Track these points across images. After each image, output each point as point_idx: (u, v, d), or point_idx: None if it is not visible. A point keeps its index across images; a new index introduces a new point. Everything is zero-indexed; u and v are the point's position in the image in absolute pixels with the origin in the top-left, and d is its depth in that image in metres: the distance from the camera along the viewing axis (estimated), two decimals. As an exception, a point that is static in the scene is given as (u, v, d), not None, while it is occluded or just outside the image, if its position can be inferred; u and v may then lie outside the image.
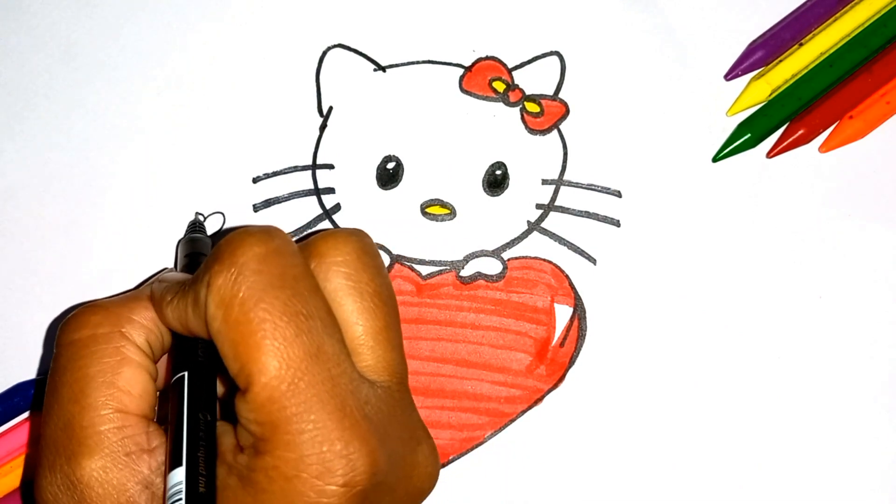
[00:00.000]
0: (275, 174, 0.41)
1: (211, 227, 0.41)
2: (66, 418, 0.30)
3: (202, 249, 0.37)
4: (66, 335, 0.31)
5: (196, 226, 0.40)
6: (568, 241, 0.41)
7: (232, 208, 0.41)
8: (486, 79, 0.42)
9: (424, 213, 0.41)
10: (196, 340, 0.31)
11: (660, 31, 0.43)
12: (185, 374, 0.30)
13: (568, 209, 0.41)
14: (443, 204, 0.41)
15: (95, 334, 0.31)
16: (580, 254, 0.41)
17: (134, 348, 0.31)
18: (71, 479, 0.29)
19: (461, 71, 0.42)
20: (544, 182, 0.41)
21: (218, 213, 0.41)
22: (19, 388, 0.39)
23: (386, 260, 0.41)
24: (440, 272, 0.41)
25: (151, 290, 0.32)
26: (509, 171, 0.41)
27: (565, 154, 0.42)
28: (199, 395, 0.30)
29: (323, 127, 0.42)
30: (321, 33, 0.43)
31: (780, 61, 0.42)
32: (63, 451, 0.29)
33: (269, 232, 0.29)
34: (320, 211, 0.41)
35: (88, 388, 0.30)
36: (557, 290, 0.40)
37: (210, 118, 0.42)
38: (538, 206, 0.41)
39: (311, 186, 0.41)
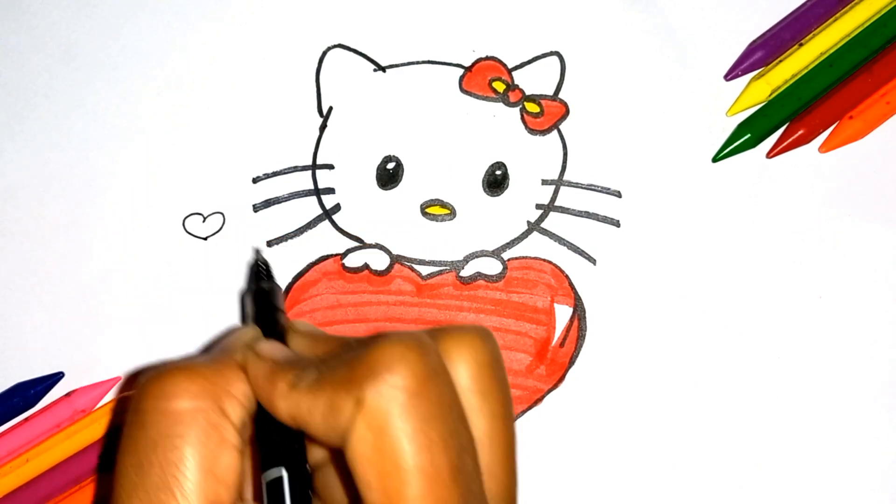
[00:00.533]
0: (275, 174, 0.41)
1: (211, 227, 0.41)
2: None
3: (277, 303, 0.33)
4: (157, 401, 0.27)
5: (262, 269, 0.35)
6: (568, 241, 0.41)
7: (232, 208, 0.41)
8: (486, 79, 0.42)
9: (424, 214, 0.41)
10: (300, 433, 0.28)
11: (660, 31, 0.43)
12: (285, 473, 0.27)
13: (568, 209, 0.41)
14: (443, 204, 0.41)
15: (194, 408, 0.27)
16: (580, 254, 0.41)
17: (232, 430, 0.27)
18: None
19: (461, 71, 0.42)
20: (544, 182, 0.41)
21: (218, 213, 0.41)
22: (19, 388, 0.39)
23: (386, 260, 0.41)
24: (440, 272, 0.41)
25: (251, 367, 0.29)
26: (509, 172, 0.41)
27: (565, 154, 0.42)
28: (300, 496, 0.27)
29: (323, 127, 0.42)
30: (321, 33, 0.43)
31: (780, 61, 0.42)
32: None
33: (424, 346, 0.26)
34: (320, 211, 0.41)
35: (184, 476, 0.26)
36: (557, 291, 0.40)
37: (210, 118, 0.42)
38: (538, 206, 0.41)
39: (311, 186, 0.41)
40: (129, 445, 0.27)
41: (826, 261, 0.41)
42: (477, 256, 0.41)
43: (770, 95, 0.41)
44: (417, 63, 0.43)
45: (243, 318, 0.37)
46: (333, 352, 0.29)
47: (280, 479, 0.27)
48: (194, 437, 0.27)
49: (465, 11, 0.43)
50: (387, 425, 0.25)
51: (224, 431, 0.27)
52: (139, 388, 0.28)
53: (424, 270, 0.41)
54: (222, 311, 0.40)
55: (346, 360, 0.26)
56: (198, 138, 0.42)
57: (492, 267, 0.41)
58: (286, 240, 0.41)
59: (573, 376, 0.40)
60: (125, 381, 0.40)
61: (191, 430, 0.27)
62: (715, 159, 0.42)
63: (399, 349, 0.26)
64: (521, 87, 0.42)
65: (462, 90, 0.42)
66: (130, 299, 0.40)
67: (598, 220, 0.41)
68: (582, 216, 0.41)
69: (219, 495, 0.26)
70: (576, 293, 0.40)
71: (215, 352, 0.30)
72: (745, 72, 0.42)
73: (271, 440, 0.28)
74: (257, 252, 0.37)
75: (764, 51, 0.42)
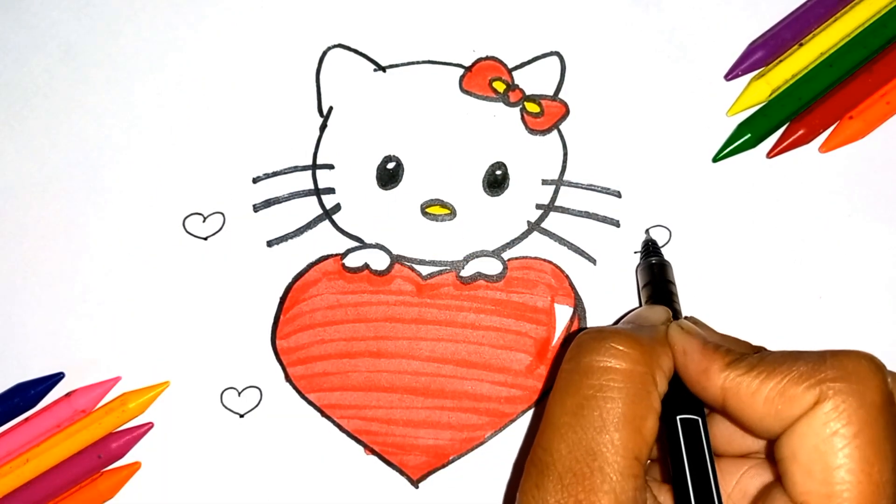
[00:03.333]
0: (275, 174, 0.41)
1: (211, 227, 0.41)
2: (590, 446, 0.29)
3: (670, 277, 0.38)
4: (599, 356, 0.30)
5: (652, 247, 0.40)
6: (568, 241, 0.41)
7: (232, 208, 0.41)
8: (486, 79, 0.42)
9: (424, 213, 0.41)
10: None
11: (660, 31, 0.43)
12: (699, 419, 0.31)
13: (568, 209, 0.41)
14: (443, 204, 0.41)
15: (634, 371, 0.30)
16: (580, 254, 0.41)
17: (657, 398, 0.30)
18: None
19: (461, 71, 0.42)
20: (544, 182, 0.41)
21: (218, 213, 0.41)
22: (19, 389, 0.39)
23: (386, 260, 0.41)
24: (440, 272, 0.41)
25: (681, 341, 0.32)
26: (509, 172, 0.41)
27: (565, 154, 0.42)
28: (706, 451, 0.30)
29: (323, 127, 0.42)
30: (321, 33, 0.43)
31: (780, 61, 0.42)
32: (580, 480, 0.29)
33: (886, 370, 0.29)
34: (320, 211, 0.41)
35: (619, 427, 0.29)
36: (557, 290, 0.40)
37: (210, 118, 0.42)
38: (538, 206, 0.41)
39: (311, 186, 0.41)
40: (571, 388, 0.30)
41: (826, 261, 0.41)
42: (477, 256, 0.41)
43: (770, 95, 0.42)
44: (417, 63, 0.43)
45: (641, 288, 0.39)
46: (743, 344, 0.32)
47: (695, 419, 0.31)
48: (629, 396, 0.29)
49: (465, 11, 0.43)
50: (842, 429, 0.27)
51: (653, 398, 0.30)
52: (582, 342, 0.31)
53: (424, 270, 0.41)
54: (222, 311, 0.40)
55: (807, 358, 0.29)
56: (198, 138, 0.42)
57: (492, 267, 0.41)
58: (286, 240, 0.41)
59: (573, 376, 0.40)
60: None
61: (627, 388, 0.30)
62: (715, 159, 0.42)
63: (870, 365, 0.28)
64: (521, 87, 0.42)
65: (462, 90, 0.42)
66: (130, 299, 0.40)
67: (598, 220, 0.41)
68: (582, 216, 0.41)
69: (640, 450, 0.29)
70: (576, 293, 0.40)
71: (637, 325, 0.33)
72: (745, 72, 0.42)
73: (686, 397, 0.31)
74: (647, 232, 0.41)
75: (764, 51, 0.42)
